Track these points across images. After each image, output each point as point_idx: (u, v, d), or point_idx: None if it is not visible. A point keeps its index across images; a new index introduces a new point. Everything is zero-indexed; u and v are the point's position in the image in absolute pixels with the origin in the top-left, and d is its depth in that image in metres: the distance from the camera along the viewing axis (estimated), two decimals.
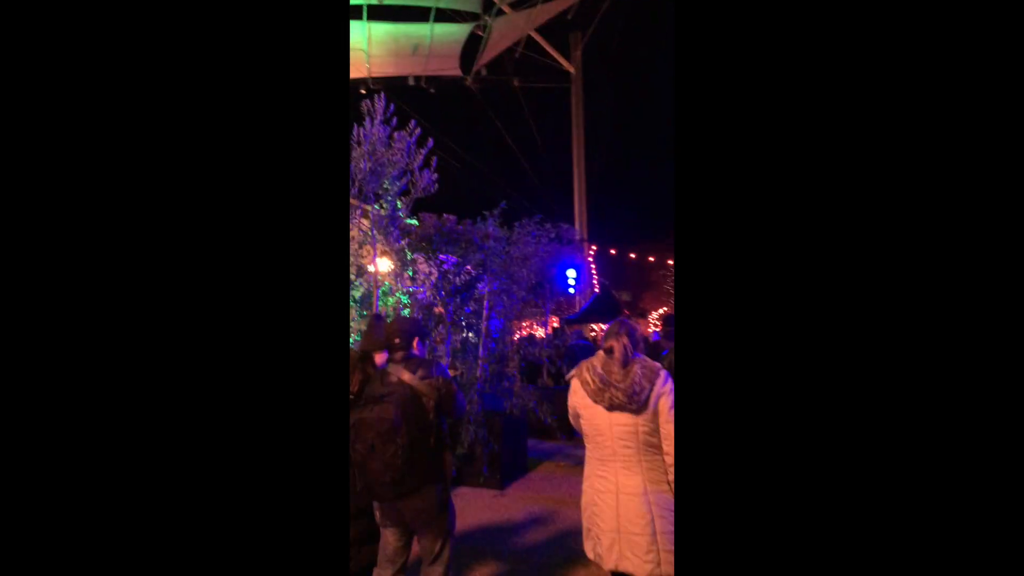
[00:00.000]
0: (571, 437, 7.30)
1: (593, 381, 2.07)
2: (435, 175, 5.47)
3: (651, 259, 24.44)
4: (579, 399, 2.15)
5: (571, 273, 17.13)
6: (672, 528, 1.93)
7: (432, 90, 13.67)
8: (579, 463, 5.74)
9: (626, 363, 2.06)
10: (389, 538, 2.43)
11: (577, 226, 16.91)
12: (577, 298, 17.29)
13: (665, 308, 30.16)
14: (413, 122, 5.36)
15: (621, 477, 2.01)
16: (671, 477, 1.98)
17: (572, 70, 16.31)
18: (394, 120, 5.26)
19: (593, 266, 19.44)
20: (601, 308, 14.07)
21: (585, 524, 2.15)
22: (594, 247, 18.60)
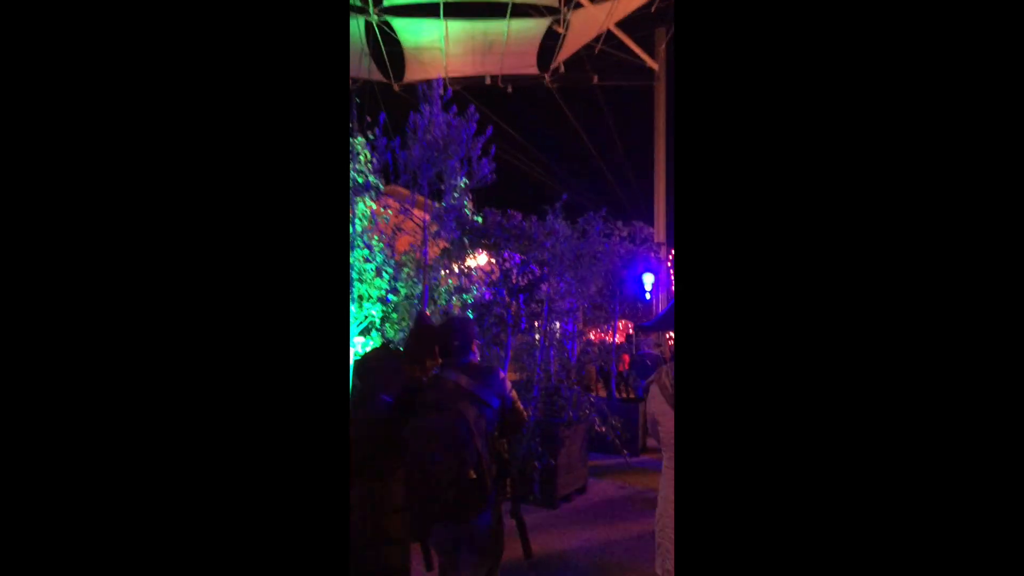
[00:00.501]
0: (636, 454, 6.75)
1: (673, 386, 2.01)
2: (493, 165, 5.13)
3: None
4: (657, 405, 2.09)
5: (648, 278, 16.39)
6: None
7: (509, 88, 13.41)
8: (642, 485, 5.24)
9: None
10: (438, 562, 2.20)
11: (657, 229, 16.17)
12: (654, 305, 16.48)
13: None
14: (471, 107, 5.04)
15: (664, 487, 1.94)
16: None
17: (655, 66, 15.59)
18: (453, 107, 4.95)
19: (672, 271, 18.50)
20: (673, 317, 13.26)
21: (657, 538, 2.08)
22: (673, 251, 17.69)
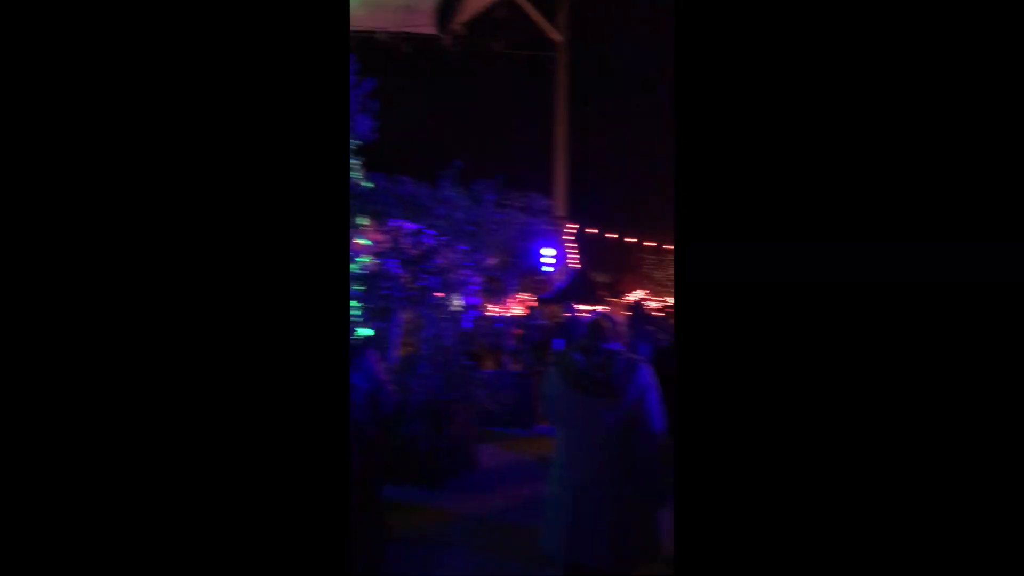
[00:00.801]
0: (528, 428, 6.71)
1: (572, 368, 2.08)
2: (374, 123, 4.72)
3: (630, 240, 23.87)
4: (556, 389, 2.14)
5: (548, 252, 16.53)
6: (645, 522, 2.02)
7: (402, 47, 12.69)
8: (533, 454, 5.17)
9: (608, 350, 2.09)
10: None
11: (556, 204, 16.27)
12: (554, 278, 16.69)
13: (645, 292, 29.74)
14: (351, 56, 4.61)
15: (592, 467, 2.03)
16: (643, 473, 2.00)
17: (557, 37, 15.46)
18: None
19: (572, 245, 18.82)
20: (576, 289, 13.53)
21: (547, 517, 2.13)
22: (574, 225, 17.92)
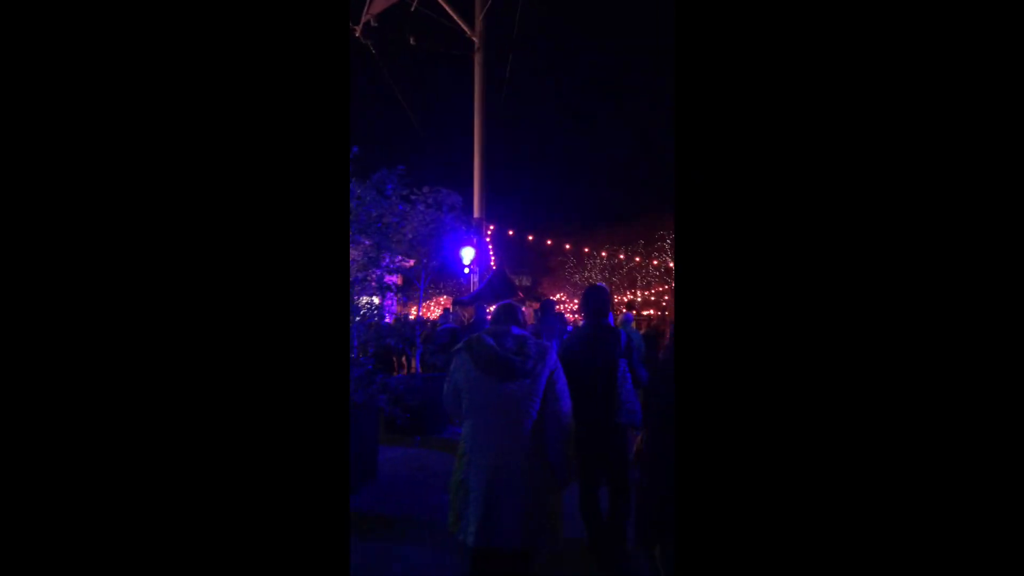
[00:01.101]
0: (440, 433, 6.51)
1: (487, 350, 2.08)
2: None
3: (548, 243, 24.12)
4: (464, 375, 2.13)
5: (467, 252, 16.34)
6: (543, 507, 2.02)
7: None
8: (437, 468, 4.95)
9: (517, 335, 2.14)
10: None
11: (476, 204, 16.12)
12: (472, 279, 16.54)
13: (562, 294, 30.21)
14: None
15: (505, 450, 2.04)
16: (554, 453, 2.04)
17: (475, 39, 15.36)
18: None
19: (491, 247, 18.74)
20: (493, 291, 13.45)
21: (457, 504, 2.11)
22: (492, 227, 17.87)
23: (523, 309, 2.24)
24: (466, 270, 16.49)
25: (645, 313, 24.61)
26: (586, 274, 30.07)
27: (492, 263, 16.78)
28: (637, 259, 27.37)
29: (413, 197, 5.66)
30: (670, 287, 27.66)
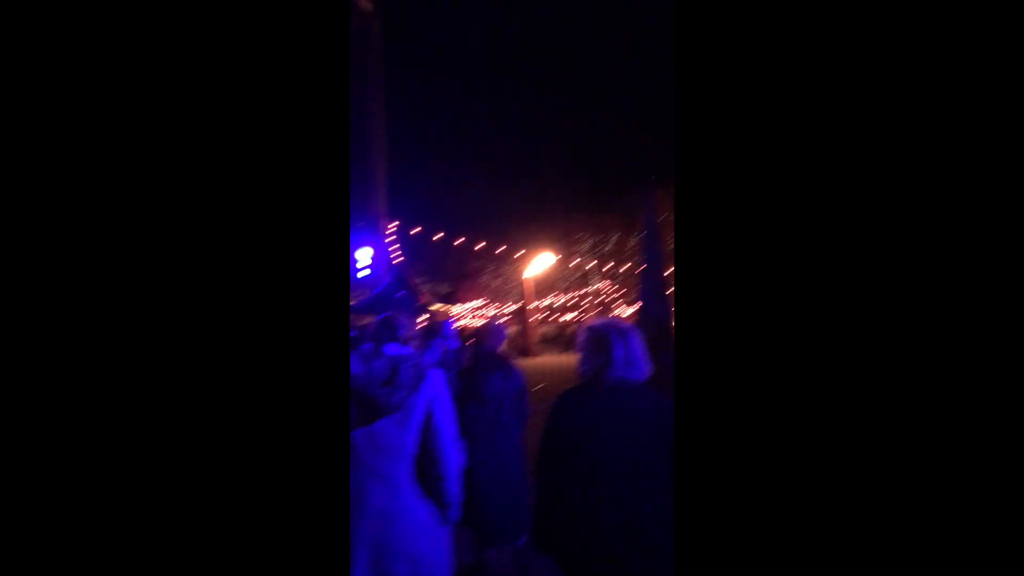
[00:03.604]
0: None
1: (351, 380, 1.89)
2: None
3: (458, 243, 22.64)
4: None
5: (363, 253, 14.75)
6: (433, 553, 1.93)
7: None
8: None
9: (393, 356, 1.92)
10: None
11: (377, 199, 14.59)
12: (374, 281, 14.94)
13: (482, 299, 29.01)
14: None
15: (377, 498, 1.87)
16: (441, 493, 1.91)
17: (367, 6, 13.87)
18: None
19: (397, 249, 17.15)
20: (393, 296, 12.05)
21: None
22: (395, 223, 16.26)
23: (406, 319, 2.06)
24: (360, 274, 14.87)
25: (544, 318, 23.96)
26: (509, 278, 29.02)
27: (393, 263, 15.21)
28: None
29: None
30: (590, 290, 27.22)
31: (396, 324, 1.97)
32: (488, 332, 3.25)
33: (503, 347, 3.11)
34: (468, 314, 25.87)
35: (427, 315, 10.51)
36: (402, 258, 17.43)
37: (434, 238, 18.93)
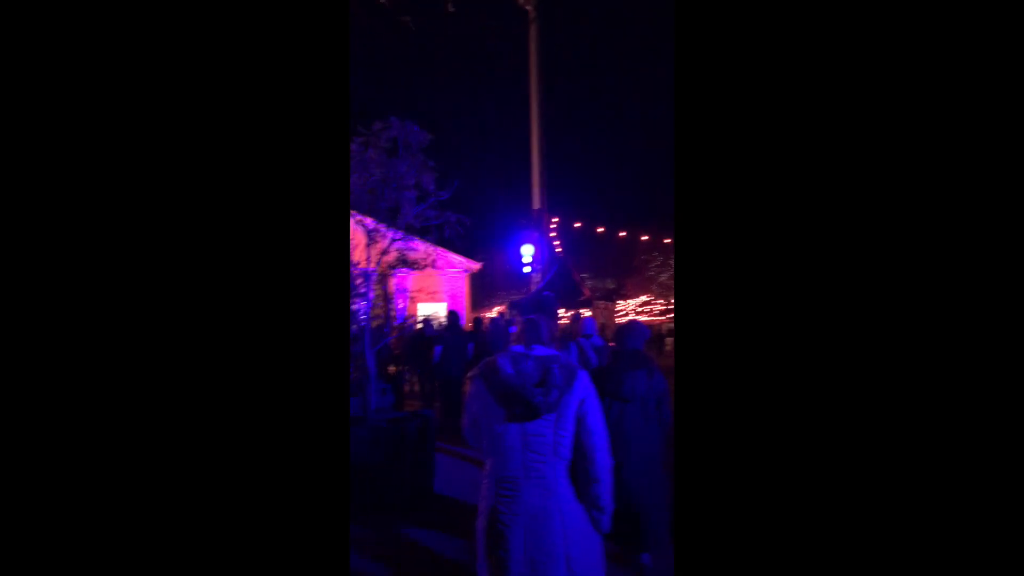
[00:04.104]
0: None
1: (503, 383, 1.89)
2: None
3: (621, 235, 22.12)
4: (481, 406, 1.95)
5: (527, 249, 15.04)
6: (587, 555, 1.90)
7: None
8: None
9: (542, 356, 1.92)
10: None
11: (534, 195, 14.79)
12: (533, 279, 15.18)
13: (648, 295, 28.12)
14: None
15: (531, 500, 1.86)
16: (594, 498, 1.87)
17: (528, 7, 14.08)
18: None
19: (557, 244, 17.26)
20: (557, 291, 12.08)
21: (483, 552, 1.93)
22: (555, 219, 16.36)
23: (550, 322, 2.02)
24: (526, 269, 15.18)
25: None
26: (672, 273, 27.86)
27: (555, 258, 15.28)
28: None
29: (358, 138, 4.23)
30: None
31: (541, 326, 1.98)
32: (629, 330, 3.07)
33: (645, 346, 2.95)
34: (634, 310, 25.18)
35: (570, 313, 10.35)
36: (563, 253, 17.51)
37: (597, 231, 18.75)
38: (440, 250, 15.23)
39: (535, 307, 3.01)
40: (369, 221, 4.41)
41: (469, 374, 2.09)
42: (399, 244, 4.95)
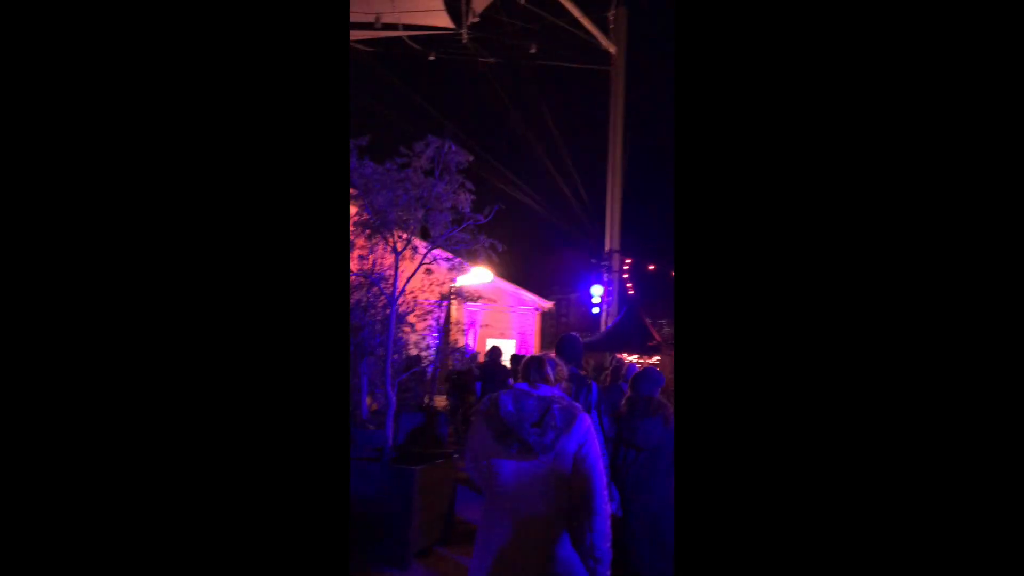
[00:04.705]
0: None
1: (502, 420, 1.86)
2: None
3: None
4: (479, 441, 1.93)
5: (596, 290, 14.85)
6: None
7: (432, 56, 11.65)
8: None
9: (543, 402, 1.89)
10: None
11: (608, 236, 14.65)
12: (602, 318, 14.92)
13: None
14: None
15: (526, 535, 1.84)
16: (590, 547, 1.83)
17: (612, 48, 14.20)
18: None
19: (630, 286, 16.97)
20: (625, 334, 11.80)
21: None
22: (629, 260, 16.12)
23: (558, 361, 2.03)
24: (595, 310, 14.95)
25: None
26: None
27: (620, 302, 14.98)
28: None
29: (399, 159, 4.16)
30: None
31: (546, 364, 1.96)
32: (644, 376, 2.94)
33: (660, 392, 2.90)
34: None
35: (633, 358, 9.98)
36: (635, 295, 17.17)
37: (671, 275, 18.36)
38: (512, 287, 15.27)
39: (558, 346, 2.90)
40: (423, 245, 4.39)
41: (473, 410, 2.06)
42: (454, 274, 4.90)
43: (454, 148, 4.11)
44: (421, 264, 4.31)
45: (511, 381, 4.64)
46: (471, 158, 4.21)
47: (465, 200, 4.18)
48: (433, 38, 11.25)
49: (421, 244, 4.39)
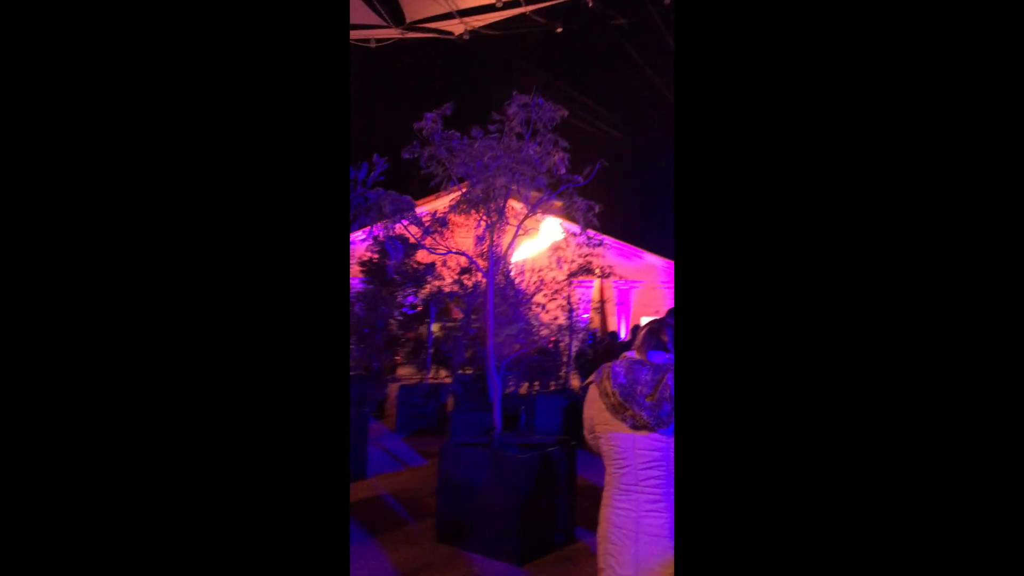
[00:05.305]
0: None
1: (614, 393, 1.82)
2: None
3: None
4: (596, 412, 1.91)
5: None
6: None
7: (559, 29, 11.21)
8: None
9: (657, 371, 1.82)
10: None
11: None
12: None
13: None
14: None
15: (643, 513, 1.81)
16: None
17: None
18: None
19: None
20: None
21: (599, 563, 1.93)
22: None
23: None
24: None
25: None
26: None
27: None
28: None
29: (492, 127, 3.90)
30: None
31: (663, 330, 1.88)
32: None
33: None
34: None
35: None
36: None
37: None
38: (664, 262, 14.45)
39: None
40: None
41: (586, 380, 2.04)
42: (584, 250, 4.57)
43: (544, 103, 3.78)
44: (517, 232, 4.10)
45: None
46: (565, 113, 3.84)
47: (561, 161, 3.81)
48: (557, 8, 10.85)
49: (514, 213, 4.16)
